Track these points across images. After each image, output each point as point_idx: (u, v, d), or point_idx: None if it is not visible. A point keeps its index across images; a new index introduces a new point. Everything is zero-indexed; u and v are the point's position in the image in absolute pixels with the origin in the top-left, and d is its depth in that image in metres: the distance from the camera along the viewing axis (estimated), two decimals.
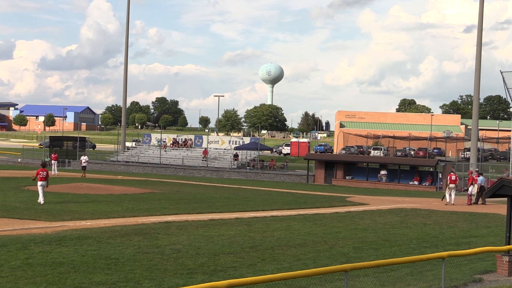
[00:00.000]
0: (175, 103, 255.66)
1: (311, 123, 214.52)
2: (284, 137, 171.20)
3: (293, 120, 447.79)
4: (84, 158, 57.21)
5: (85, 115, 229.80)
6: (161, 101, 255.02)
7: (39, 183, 30.93)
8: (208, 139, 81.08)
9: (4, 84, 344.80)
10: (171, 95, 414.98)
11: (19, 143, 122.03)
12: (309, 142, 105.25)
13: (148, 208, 30.05)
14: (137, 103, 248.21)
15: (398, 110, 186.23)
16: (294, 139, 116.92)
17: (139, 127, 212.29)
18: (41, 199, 30.49)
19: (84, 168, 56.00)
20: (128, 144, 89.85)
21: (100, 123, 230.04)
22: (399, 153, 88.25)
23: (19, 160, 77.66)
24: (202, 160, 72.45)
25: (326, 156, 78.50)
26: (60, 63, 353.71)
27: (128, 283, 13.75)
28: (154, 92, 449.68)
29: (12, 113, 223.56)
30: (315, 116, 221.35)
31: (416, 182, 57.15)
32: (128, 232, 21.36)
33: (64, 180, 47.74)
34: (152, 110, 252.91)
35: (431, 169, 57.77)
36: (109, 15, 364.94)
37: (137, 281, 13.93)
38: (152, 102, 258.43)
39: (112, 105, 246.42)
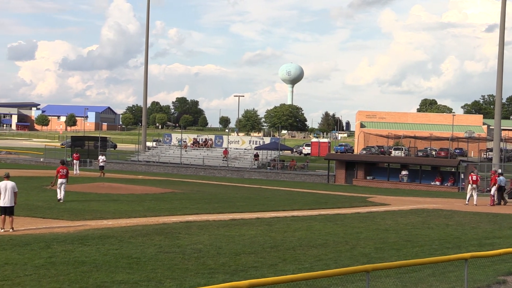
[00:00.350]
0: (195, 103, 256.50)
1: (331, 123, 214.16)
2: (304, 137, 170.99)
3: (313, 120, 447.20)
4: (101, 158, 57.43)
5: (106, 115, 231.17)
6: (181, 101, 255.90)
7: (60, 180, 31.26)
8: (228, 139, 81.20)
9: (26, 85, 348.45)
10: (191, 95, 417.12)
11: (41, 143, 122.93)
12: (329, 142, 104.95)
13: (169, 207, 30.13)
14: (157, 103, 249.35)
15: (419, 110, 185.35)
16: (314, 139, 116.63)
17: (160, 127, 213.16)
18: (61, 196, 30.87)
19: (102, 168, 56.15)
20: (149, 144, 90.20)
21: (121, 123, 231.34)
22: (420, 153, 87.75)
23: (41, 159, 78.23)
24: (223, 160, 72.54)
25: (346, 156, 78.28)
26: (81, 63, 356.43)
27: (150, 282, 13.79)
28: (174, 92, 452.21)
29: (34, 113, 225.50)
30: (336, 116, 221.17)
31: (437, 183, 56.84)
32: (149, 232, 21.44)
33: (86, 179, 48.03)
34: (173, 110, 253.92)
35: (453, 170, 57.44)
36: (129, 15, 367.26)
37: (159, 281, 13.97)
38: (173, 102, 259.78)
39: (133, 105, 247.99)
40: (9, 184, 21.10)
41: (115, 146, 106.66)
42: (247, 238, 20.76)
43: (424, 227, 25.64)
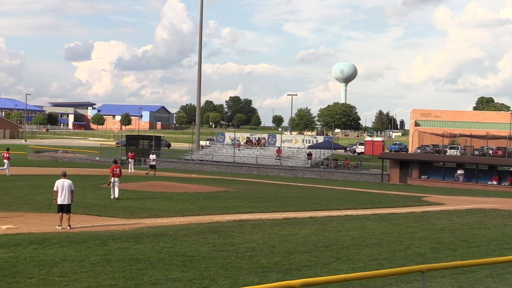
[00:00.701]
0: (249, 102, 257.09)
1: (385, 122, 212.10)
2: (358, 136, 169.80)
3: (367, 118, 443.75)
4: (152, 157, 57.71)
5: (160, 114, 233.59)
6: (234, 100, 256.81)
7: (113, 179, 31.88)
8: (281, 138, 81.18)
9: (83, 85, 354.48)
10: (244, 94, 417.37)
11: (97, 142, 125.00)
12: (383, 141, 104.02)
13: (222, 206, 30.31)
14: (211, 102, 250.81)
15: (475, 109, 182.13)
16: (368, 138, 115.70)
17: (213, 126, 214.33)
18: (115, 194, 31.60)
19: (152, 166, 56.30)
20: (202, 143, 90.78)
21: (174, 122, 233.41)
22: (476, 152, 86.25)
23: (97, 158, 79.43)
24: (276, 159, 72.57)
25: (401, 155, 77.49)
26: (135, 63, 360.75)
27: (204, 280, 13.90)
28: (227, 91, 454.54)
29: (90, 113, 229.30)
30: (389, 114, 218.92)
31: (494, 182, 55.84)
32: (203, 230, 21.60)
33: (141, 178, 48.60)
34: (226, 109, 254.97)
35: (511, 169, 56.31)
36: (183, 15, 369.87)
37: (212, 279, 14.07)
38: (226, 101, 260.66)
39: (187, 104, 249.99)
40: (66, 182, 21.53)
41: (169, 145, 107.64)
42: (301, 237, 20.75)
43: (480, 227, 25.24)
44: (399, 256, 17.77)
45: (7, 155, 48.04)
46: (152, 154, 59.07)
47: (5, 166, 47.16)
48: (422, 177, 59.33)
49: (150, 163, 56.98)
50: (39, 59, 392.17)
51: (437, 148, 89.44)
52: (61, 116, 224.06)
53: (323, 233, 21.98)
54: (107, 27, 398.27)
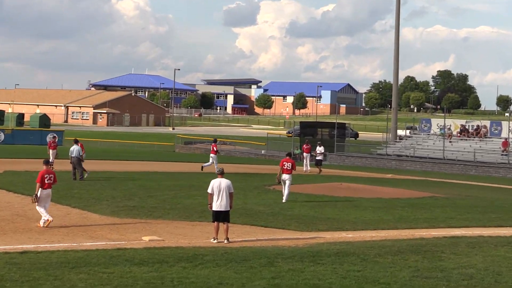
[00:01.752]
0: (464, 78, 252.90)
1: None
2: None
3: None
4: (319, 150, 57.32)
5: (344, 94, 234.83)
6: (444, 75, 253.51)
7: (283, 176, 32.44)
8: (509, 126, 78.90)
9: (245, 57, 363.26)
10: (457, 68, 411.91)
11: (263, 130, 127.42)
12: None
13: (428, 217, 30.00)
14: (412, 78, 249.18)
15: None
16: None
17: (415, 110, 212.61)
18: (284, 197, 32.62)
19: (319, 162, 56.00)
20: (400, 132, 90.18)
21: (363, 104, 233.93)
22: None
23: (262, 152, 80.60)
24: (502, 155, 70.72)
25: None
26: (313, 28, 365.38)
27: None
28: (435, 64, 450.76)
29: (254, 93, 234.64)
30: None
31: None
32: (402, 249, 21.38)
33: (318, 178, 48.97)
34: (433, 88, 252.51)
35: None
36: None
37: None
38: (433, 77, 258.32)
39: (380, 81, 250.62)
40: (224, 182, 21.88)
41: (356, 135, 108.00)
42: None
43: None
44: None
45: (215, 148, 49.22)
46: (320, 146, 58.52)
47: (211, 161, 48.66)
48: None
49: (317, 158, 56.81)
50: (191, 25, 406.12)
51: None
52: (218, 97, 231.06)
53: None
54: None
